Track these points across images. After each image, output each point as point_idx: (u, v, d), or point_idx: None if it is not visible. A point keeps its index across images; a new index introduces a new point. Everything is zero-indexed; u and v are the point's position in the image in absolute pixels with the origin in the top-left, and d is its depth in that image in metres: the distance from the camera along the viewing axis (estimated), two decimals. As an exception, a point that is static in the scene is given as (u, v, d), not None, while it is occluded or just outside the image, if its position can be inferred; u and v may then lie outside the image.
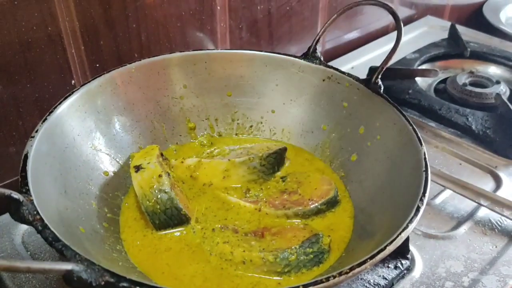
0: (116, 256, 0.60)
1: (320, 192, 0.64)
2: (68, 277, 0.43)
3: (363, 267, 0.46)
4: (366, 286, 0.64)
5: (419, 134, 0.64)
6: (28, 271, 0.42)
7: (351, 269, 0.46)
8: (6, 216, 0.75)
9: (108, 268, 0.45)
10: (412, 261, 0.69)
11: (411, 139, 0.63)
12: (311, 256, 0.55)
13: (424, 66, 1.08)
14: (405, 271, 0.67)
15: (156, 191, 0.59)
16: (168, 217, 0.60)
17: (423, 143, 0.62)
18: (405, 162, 0.64)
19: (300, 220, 0.63)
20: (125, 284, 0.43)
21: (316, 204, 0.63)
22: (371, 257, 0.47)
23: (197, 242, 0.62)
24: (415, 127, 0.65)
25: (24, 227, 0.73)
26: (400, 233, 0.50)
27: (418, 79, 1.08)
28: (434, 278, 0.67)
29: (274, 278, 0.55)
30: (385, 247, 0.48)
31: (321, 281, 0.44)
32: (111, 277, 0.44)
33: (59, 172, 0.63)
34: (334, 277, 0.45)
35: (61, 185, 0.62)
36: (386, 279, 0.65)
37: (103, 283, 0.43)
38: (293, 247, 0.55)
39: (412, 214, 0.52)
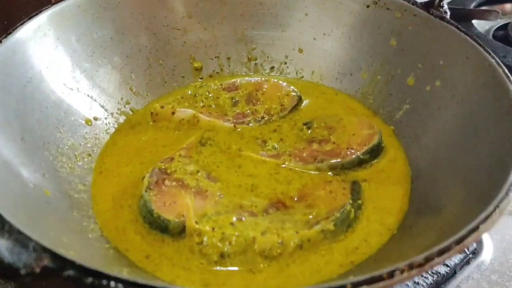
0: (86, 226, 0.44)
1: (359, 138, 0.53)
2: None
3: (446, 255, 0.29)
4: (421, 274, 0.48)
5: (505, 70, 0.46)
6: None
7: (428, 259, 0.29)
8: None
9: (68, 243, 0.30)
10: (479, 243, 0.52)
11: (494, 76, 0.46)
12: (360, 203, 0.48)
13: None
14: (471, 255, 0.51)
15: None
16: (151, 224, 0.47)
17: (513, 79, 0.44)
18: (485, 108, 0.46)
19: (331, 174, 0.52)
20: (71, 273, 0.27)
21: (358, 153, 0.52)
22: (458, 241, 0.30)
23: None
24: (499, 61, 0.46)
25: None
26: (497, 206, 0.33)
27: (475, 22, 0.89)
28: (509, 265, 0.50)
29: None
30: (477, 226, 0.31)
31: (389, 275, 0.27)
32: (53, 262, 0.28)
33: (15, 112, 0.47)
34: (402, 271, 0.28)
35: (16, 130, 0.46)
36: (448, 266, 0.49)
37: (38, 270, 0.27)
38: (347, 203, 0.47)
39: (509, 182, 0.35)
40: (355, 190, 0.49)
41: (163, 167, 0.51)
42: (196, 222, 0.45)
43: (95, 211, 0.49)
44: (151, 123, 0.59)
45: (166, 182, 0.50)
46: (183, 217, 0.46)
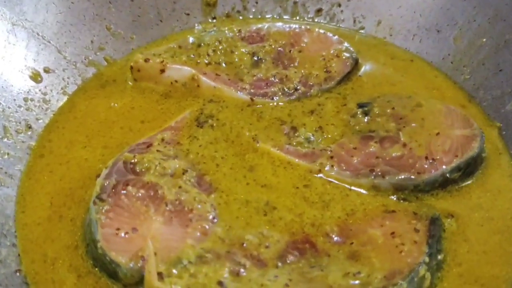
0: None
1: (448, 141, 0.39)
2: None
3: None
4: None
5: None
6: None
7: None
8: None
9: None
10: None
11: None
12: (441, 261, 0.32)
13: None
14: None
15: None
16: (95, 261, 0.32)
17: None
18: None
19: (396, 198, 0.36)
20: None
21: (444, 167, 0.35)
22: None
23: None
24: None
25: None
26: None
27: None
28: None
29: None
30: None
31: None
32: None
33: None
34: None
35: None
36: None
37: None
38: (421, 262, 0.30)
39: None
40: (435, 235, 0.33)
41: (132, 160, 0.35)
42: (161, 276, 0.28)
43: (19, 222, 0.37)
44: (130, 82, 0.46)
45: (130, 189, 0.33)
46: (143, 260, 0.28)
